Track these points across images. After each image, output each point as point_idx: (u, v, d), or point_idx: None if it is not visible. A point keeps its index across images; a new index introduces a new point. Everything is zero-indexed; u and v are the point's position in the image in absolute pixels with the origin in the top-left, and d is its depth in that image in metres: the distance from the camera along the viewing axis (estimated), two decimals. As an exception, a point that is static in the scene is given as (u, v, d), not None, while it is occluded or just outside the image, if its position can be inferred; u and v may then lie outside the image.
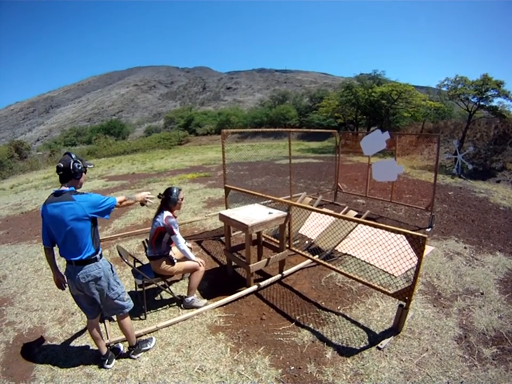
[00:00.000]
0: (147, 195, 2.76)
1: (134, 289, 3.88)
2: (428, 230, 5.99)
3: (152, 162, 18.43)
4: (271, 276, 4.14)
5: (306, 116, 35.69)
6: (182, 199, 3.47)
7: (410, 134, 19.81)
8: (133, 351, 2.81)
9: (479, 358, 2.80)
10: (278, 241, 4.23)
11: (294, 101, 44.85)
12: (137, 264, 3.71)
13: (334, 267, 3.81)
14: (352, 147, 15.27)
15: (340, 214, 4.02)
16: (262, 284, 3.93)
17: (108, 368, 2.70)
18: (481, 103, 14.42)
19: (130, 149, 29.15)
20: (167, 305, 3.63)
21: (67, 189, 2.33)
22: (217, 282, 4.14)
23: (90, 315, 2.63)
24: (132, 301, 2.73)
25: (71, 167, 2.31)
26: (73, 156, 2.36)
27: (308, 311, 3.50)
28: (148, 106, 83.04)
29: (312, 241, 5.13)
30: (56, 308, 3.69)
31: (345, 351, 2.87)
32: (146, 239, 3.77)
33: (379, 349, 2.87)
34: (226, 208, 5.31)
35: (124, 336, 2.85)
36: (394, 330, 3.10)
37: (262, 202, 4.80)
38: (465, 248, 5.15)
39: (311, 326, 3.24)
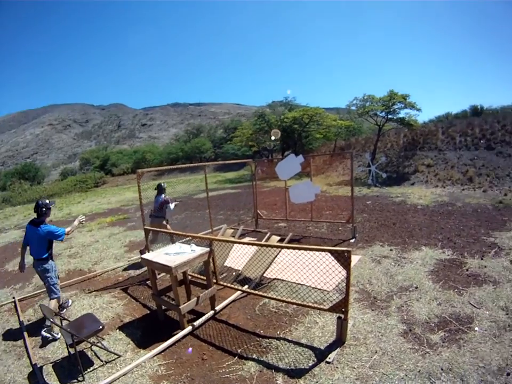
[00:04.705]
0: (80, 218, 4.44)
1: (66, 350, 3.50)
2: (352, 240, 6.45)
3: (69, 208, 17.73)
4: (204, 314, 4.06)
5: (221, 147, 36.69)
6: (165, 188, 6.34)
7: (324, 154, 21.69)
8: None
9: (429, 345, 3.02)
10: (205, 278, 4.20)
11: (208, 133, 46.25)
12: (65, 322, 3.55)
13: (265, 294, 3.90)
14: (269, 173, 15.98)
15: (261, 243, 4.15)
16: (196, 323, 3.86)
17: None
18: (389, 116, 16.63)
19: (46, 194, 28.14)
20: (104, 362, 3.37)
21: (39, 219, 4.17)
22: (150, 329, 3.96)
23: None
24: (60, 293, 4.31)
25: (39, 212, 4.15)
26: (40, 203, 4.17)
27: (248, 342, 3.43)
28: (63, 147, 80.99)
29: (239, 272, 5.13)
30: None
31: (296, 373, 2.84)
32: (150, 214, 6.11)
33: (328, 363, 2.89)
34: (148, 251, 5.17)
35: None
36: (339, 341, 3.17)
37: (182, 240, 4.84)
38: (391, 250, 5.65)
39: (254, 356, 3.17)
